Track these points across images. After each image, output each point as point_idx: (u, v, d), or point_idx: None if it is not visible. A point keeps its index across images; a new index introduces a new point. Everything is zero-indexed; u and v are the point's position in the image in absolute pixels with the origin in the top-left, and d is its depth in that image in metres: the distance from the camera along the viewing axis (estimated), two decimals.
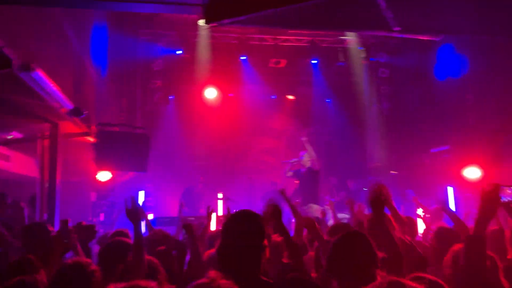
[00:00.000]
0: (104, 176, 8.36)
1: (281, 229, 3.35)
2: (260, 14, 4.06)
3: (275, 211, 3.34)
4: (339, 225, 4.60)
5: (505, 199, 3.91)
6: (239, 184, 10.95)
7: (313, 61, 11.36)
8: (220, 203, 9.62)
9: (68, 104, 6.83)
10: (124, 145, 8.38)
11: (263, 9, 4.00)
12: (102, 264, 3.74)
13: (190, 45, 10.67)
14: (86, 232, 4.63)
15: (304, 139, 8.83)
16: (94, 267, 2.95)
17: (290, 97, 11.97)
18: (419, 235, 6.42)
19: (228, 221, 2.89)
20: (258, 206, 4.22)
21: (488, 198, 3.31)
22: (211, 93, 11.14)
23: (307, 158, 8.92)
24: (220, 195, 9.60)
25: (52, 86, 5.95)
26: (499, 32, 4.41)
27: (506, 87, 8.01)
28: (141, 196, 8.98)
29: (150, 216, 8.54)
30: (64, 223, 4.14)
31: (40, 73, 5.47)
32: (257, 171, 11.71)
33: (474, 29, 4.32)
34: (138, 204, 3.44)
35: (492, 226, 4.23)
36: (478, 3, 3.93)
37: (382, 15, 4.01)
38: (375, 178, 10.30)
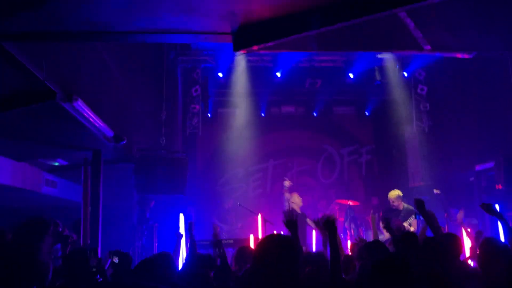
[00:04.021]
0: None
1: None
2: (288, 39, 4.11)
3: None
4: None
5: None
6: (278, 205, 10.90)
7: (349, 81, 11.27)
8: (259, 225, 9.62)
9: (109, 132, 7.08)
10: (163, 169, 8.59)
11: (291, 35, 4.04)
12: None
13: (226, 69, 10.88)
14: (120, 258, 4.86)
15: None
16: None
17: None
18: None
19: (257, 245, 2.87)
20: None
21: None
22: None
23: None
24: (259, 217, 9.61)
25: (93, 115, 6.18)
26: None
27: None
28: (181, 219, 9.10)
29: None
30: (94, 251, 4.38)
31: (81, 103, 5.70)
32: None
33: (507, 46, 4.20)
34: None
35: None
36: (508, 19, 3.83)
37: (412, 35, 3.98)
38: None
